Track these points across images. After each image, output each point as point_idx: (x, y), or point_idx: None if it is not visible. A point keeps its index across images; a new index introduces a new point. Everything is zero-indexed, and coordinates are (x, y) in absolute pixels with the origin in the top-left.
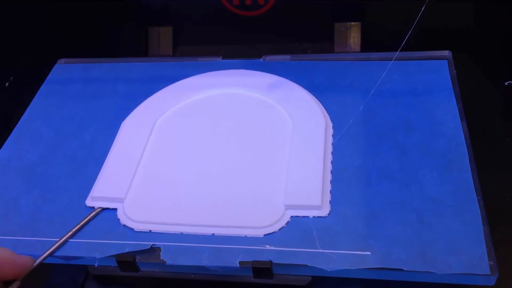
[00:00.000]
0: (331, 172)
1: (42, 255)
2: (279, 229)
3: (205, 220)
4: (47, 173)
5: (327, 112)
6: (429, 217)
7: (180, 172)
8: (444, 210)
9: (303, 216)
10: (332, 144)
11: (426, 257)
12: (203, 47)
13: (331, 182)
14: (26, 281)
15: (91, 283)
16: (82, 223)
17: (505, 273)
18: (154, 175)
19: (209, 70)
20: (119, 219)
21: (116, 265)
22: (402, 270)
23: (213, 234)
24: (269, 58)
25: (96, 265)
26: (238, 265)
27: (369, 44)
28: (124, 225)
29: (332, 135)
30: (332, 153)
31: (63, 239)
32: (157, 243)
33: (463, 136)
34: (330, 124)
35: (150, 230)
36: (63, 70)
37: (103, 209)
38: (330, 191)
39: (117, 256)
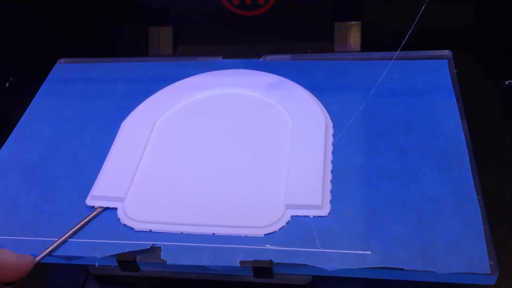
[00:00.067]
0: (332, 171)
1: (42, 253)
2: (280, 229)
3: (205, 220)
4: (47, 173)
5: (328, 112)
6: (429, 216)
7: (181, 171)
8: (444, 209)
9: (303, 216)
10: (333, 143)
11: (427, 256)
12: (203, 47)
13: (331, 181)
14: (27, 280)
15: (92, 282)
16: (83, 222)
17: (506, 273)
18: (155, 175)
19: (209, 70)
20: (119, 219)
21: (117, 264)
22: (402, 269)
23: (213, 233)
24: (269, 57)
25: (96, 265)
26: (238, 264)
27: (369, 44)
28: (125, 225)
29: (333, 134)
30: (332, 152)
31: (64, 237)
32: (157, 242)
33: (463, 136)
34: (331, 124)
35: (151, 230)
36: (63, 70)
37: (104, 208)
38: (331, 190)
39: (117, 255)
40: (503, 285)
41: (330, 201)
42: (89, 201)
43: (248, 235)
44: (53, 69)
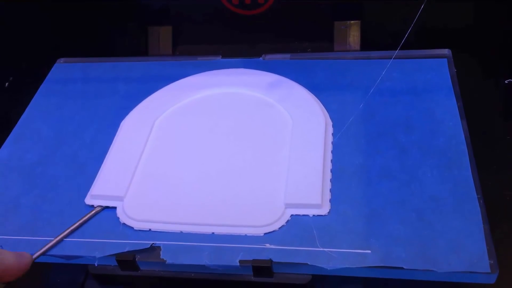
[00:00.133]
0: (331, 170)
1: (39, 250)
2: (279, 228)
3: (205, 219)
4: (47, 172)
5: (327, 111)
6: (429, 215)
7: (180, 171)
8: (444, 208)
9: (303, 215)
10: (332, 142)
11: (426, 255)
12: (202, 46)
13: (331, 180)
14: (26, 281)
15: (91, 282)
16: (82, 220)
17: (505, 272)
18: (154, 174)
19: (208, 69)
20: (118, 218)
21: (116, 264)
22: (402, 268)
23: (213, 233)
24: (268, 57)
25: (96, 265)
26: (238, 264)
27: (368, 43)
28: (124, 224)
29: (332, 133)
30: (332, 152)
31: (63, 235)
32: (157, 242)
33: (463, 135)
34: (330, 123)
35: (150, 229)
36: (63, 70)
37: (104, 207)
38: (330, 189)
39: (117, 255)
40: (503, 284)
41: (330, 200)
42: (88, 200)
43: (247, 234)
44: (53, 68)
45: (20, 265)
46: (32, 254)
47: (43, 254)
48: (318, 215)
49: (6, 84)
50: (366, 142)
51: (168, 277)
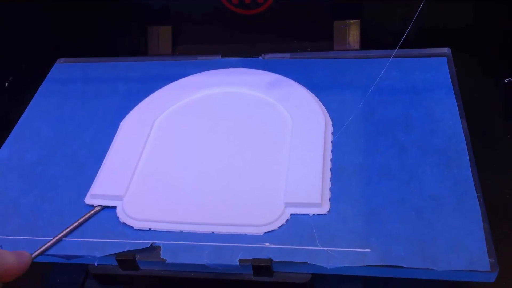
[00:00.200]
0: (331, 170)
1: (38, 249)
2: (279, 227)
3: (205, 218)
4: (47, 172)
5: (327, 110)
6: (429, 214)
7: (180, 170)
8: (444, 207)
9: (303, 214)
10: (332, 142)
11: (426, 254)
12: (202, 46)
13: (330, 180)
14: (26, 280)
15: (91, 282)
16: (81, 219)
17: (505, 270)
18: (154, 174)
19: (208, 68)
20: (118, 217)
21: (116, 264)
22: (402, 267)
23: (213, 232)
24: (268, 56)
25: (96, 264)
26: (238, 263)
27: (368, 42)
28: (124, 223)
29: (332, 132)
30: (331, 151)
31: (62, 234)
32: (157, 241)
33: (462, 133)
34: (330, 122)
35: (150, 228)
36: (63, 70)
37: (103, 207)
38: (330, 188)
39: (117, 255)
40: (502, 283)
41: (330, 199)
42: (88, 200)
43: (247, 234)
44: (52, 68)
45: (20, 264)
46: (31, 254)
47: (42, 253)
48: (318, 214)
49: (6, 84)
50: (366, 141)
51: (168, 277)
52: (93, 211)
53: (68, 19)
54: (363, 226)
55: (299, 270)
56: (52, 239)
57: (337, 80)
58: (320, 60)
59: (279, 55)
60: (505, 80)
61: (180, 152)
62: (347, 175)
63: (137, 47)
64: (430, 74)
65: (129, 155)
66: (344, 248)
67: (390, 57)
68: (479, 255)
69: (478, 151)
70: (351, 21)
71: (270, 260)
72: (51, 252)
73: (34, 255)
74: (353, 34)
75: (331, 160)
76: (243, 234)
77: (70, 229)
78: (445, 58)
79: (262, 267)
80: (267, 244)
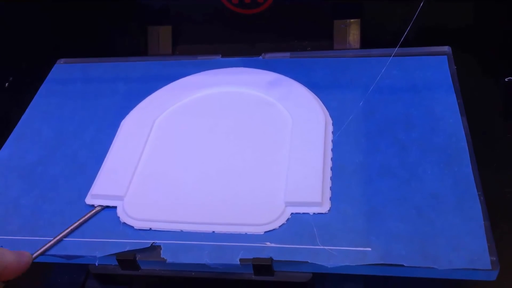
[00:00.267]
0: (331, 169)
1: (39, 249)
2: (280, 226)
3: (205, 218)
4: (47, 173)
5: (327, 109)
6: (429, 212)
7: (180, 170)
8: (445, 205)
9: (303, 213)
10: (332, 141)
11: (427, 252)
12: (202, 46)
13: (331, 179)
14: (27, 280)
15: (92, 282)
16: (82, 219)
17: (506, 269)
18: (154, 173)
19: (208, 68)
20: (119, 217)
21: (117, 263)
22: (402, 266)
23: (213, 231)
24: (268, 55)
25: (96, 264)
26: (238, 262)
27: (368, 41)
28: (124, 223)
29: (332, 132)
30: (332, 150)
31: (62, 234)
32: (157, 241)
33: (463, 132)
34: (330, 121)
35: (150, 228)
36: (63, 70)
37: (104, 207)
38: (330, 188)
39: (117, 254)
40: (503, 281)
41: (330, 198)
42: (89, 200)
43: (248, 233)
44: (53, 69)
45: (20, 263)
46: (32, 254)
47: (43, 253)
48: (318, 213)
49: (6, 84)
50: (366, 140)
51: (168, 276)
52: (94, 211)
53: (68, 19)
54: (364, 225)
55: (299, 269)
56: (53, 239)
57: (337, 79)
58: (320, 59)
59: (279, 55)
60: (505, 79)
61: (180, 151)
62: (347, 174)
63: (137, 47)
64: (430, 73)
65: (130, 155)
66: (344, 247)
67: (390, 56)
68: (480, 253)
69: (478, 150)
70: (351, 20)
71: (271, 259)
72: (51, 252)
73: (35, 255)
74: (353, 33)
75: (331, 159)
76: (244, 233)
77: (71, 229)
78: (445, 56)
79: (263, 267)
80: (268, 244)
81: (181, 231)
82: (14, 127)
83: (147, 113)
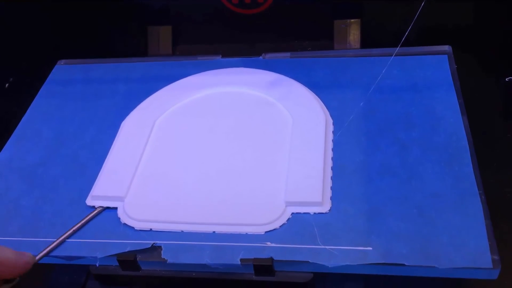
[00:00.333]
0: (332, 168)
1: (41, 252)
2: (280, 226)
3: (205, 218)
4: (48, 173)
5: (327, 109)
6: (430, 212)
7: (181, 170)
8: (446, 204)
9: (304, 213)
10: (333, 140)
11: (428, 251)
12: (202, 46)
13: (331, 178)
14: (29, 281)
15: (93, 282)
16: (83, 221)
17: (507, 269)
18: (155, 174)
19: (208, 68)
20: (119, 218)
21: (117, 264)
22: (404, 265)
23: (214, 232)
24: (268, 56)
25: (97, 265)
26: (239, 262)
27: (369, 41)
28: (125, 224)
29: (333, 131)
30: (332, 149)
31: (64, 236)
32: (158, 241)
33: (463, 131)
34: (331, 121)
35: (151, 229)
36: (63, 71)
37: (104, 208)
38: (331, 187)
39: (118, 255)
40: (504, 281)
41: (331, 198)
42: (89, 201)
43: (248, 233)
44: (53, 70)
45: (18, 261)
46: (35, 255)
47: (47, 255)
48: (319, 213)
49: (7, 85)
50: (367, 140)
51: (169, 277)
52: (95, 212)
53: (68, 19)
54: (365, 225)
55: (300, 269)
56: (56, 240)
57: (337, 79)
58: (320, 59)
59: (279, 55)
60: (506, 79)
61: (180, 152)
62: (348, 174)
63: (137, 47)
64: (430, 72)
65: (130, 156)
66: (345, 246)
67: (391, 56)
68: (481, 252)
69: (478, 150)
70: (352, 20)
71: (272, 259)
72: (53, 253)
73: (38, 256)
74: (354, 33)
75: (332, 158)
76: (244, 233)
77: (73, 231)
78: (446, 56)
79: (264, 267)
80: (268, 244)
81: (182, 231)
82: (15, 128)
83: (147, 114)
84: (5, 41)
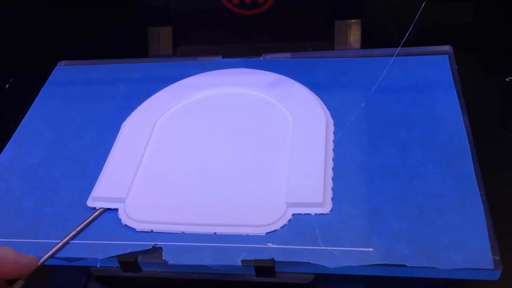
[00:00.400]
0: (333, 169)
1: (46, 254)
2: (281, 227)
3: (206, 219)
4: (49, 175)
5: (328, 109)
6: (431, 212)
7: (181, 171)
8: (447, 205)
9: (305, 214)
10: (334, 141)
11: (429, 252)
12: (203, 47)
13: (332, 179)
14: (29, 282)
15: (94, 284)
16: (85, 222)
17: (508, 269)
18: (155, 175)
19: (209, 69)
20: (120, 220)
21: (118, 265)
22: (405, 266)
23: (215, 233)
24: (269, 56)
25: (98, 266)
26: (240, 263)
27: (369, 42)
28: (126, 225)
29: (333, 132)
30: (333, 150)
31: (67, 238)
32: (159, 243)
33: (464, 131)
34: (331, 121)
35: (152, 230)
36: (64, 72)
37: (105, 209)
38: (332, 188)
39: (119, 256)
40: (506, 282)
41: (332, 199)
42: (90, 203)
43: (249, 234)
44: (54, 71)
45: (19, 261)
46: (40, 258)
47: (52, 256)
48: (320, 214)
49: (7, 85)
50: (368, 140)
51: (170, 278)
52: (96, 213)
53: (68, 19)
54: (366, 225)
55: (301, 270)
56: (60, 242)
57: (338, 79)
58: (321, 60)
59: (279, 55)
60: (506, 79)
61: (181, 153)
62: (349, 174)
63: (137, 48)
64: (431, 72)
65: (131, 157)
66: (346, 247)
67: (391, 56)
68: (482, 253)
69: (478, 150)
70: (352, 20)
71: (273, 260)
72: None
73: (42, 259)
74: (354, 34)
75: (332, 159)
76: (245, 234)
77: (75, 233)
78: (447, 56)
79: (265, 268)
80: (269, 245)
81: (183, 232)
82: (15, 129)
83: (148, 115)
84: (5, 41)
